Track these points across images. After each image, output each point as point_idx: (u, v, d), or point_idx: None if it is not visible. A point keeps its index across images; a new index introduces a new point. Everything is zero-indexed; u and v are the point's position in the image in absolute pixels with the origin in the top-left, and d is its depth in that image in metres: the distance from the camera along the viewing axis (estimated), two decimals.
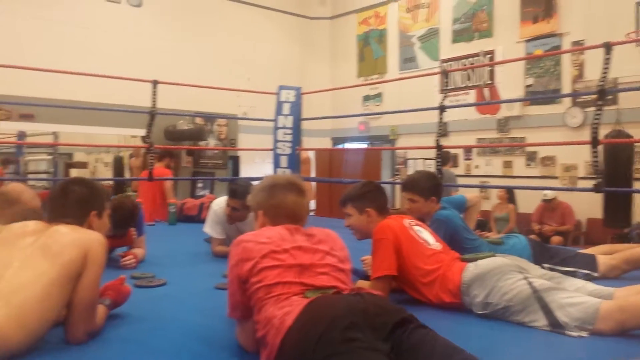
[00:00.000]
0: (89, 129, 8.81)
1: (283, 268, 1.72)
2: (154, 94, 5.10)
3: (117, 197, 3.60)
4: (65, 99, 7.13)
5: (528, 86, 7.93)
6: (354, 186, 2.77)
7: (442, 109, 4.75)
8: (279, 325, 1.55)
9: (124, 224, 3.23)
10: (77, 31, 8.16)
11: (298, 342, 1.48)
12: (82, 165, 14.87)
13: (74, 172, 13.97)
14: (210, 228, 3.81)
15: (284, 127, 5.79)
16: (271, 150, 6.00)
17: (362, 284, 2.48)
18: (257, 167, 9.29)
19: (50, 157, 12.39)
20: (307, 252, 1.80)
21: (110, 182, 11.48)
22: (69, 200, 2.04)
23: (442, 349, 1.47)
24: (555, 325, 2.06)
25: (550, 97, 7.54)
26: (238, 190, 3.60)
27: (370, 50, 10.55)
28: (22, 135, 10.70)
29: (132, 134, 10.59)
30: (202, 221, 5.37)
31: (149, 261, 3.44)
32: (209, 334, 2.03)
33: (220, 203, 3.82)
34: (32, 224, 2.00)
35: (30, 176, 11.65)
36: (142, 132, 9.18)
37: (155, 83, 5.05)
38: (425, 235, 2.58)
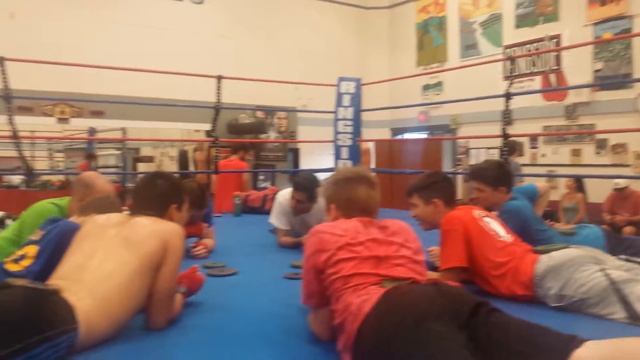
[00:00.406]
0: (154, 124, 9.13)
1: (359, 260, 1.74)
2: (218, 89, 5.22)
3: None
4: (133, 96, 7.39)
5: (597, 71, 7.59)
6: (420, 176, 2.75)
7: (508, 96, 4.63)
8: (356, 312, 1.58)
9: (194, 206, 3.29)
10: (142, 30, 8.45)
11: (375, 329, 1.50)
12: (149, 159, 15.41)
13: (142, 167, 14.53)
14: (275, 219, 3.88)
15: (344, 119, 5.80)
16: (331, 142, 6.03)
17: (430, 275, 2.47)
18: (316, 159, 9.34)
19: (119, 152, 12.94)
20: (382, 244, 1.81)
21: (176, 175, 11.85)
22: (151, 193, 2.14)
23: (517, 327, 1.47)
24: (635, 318, 2.00)
25: (621, 82, 7.21)
26: (302, 182, 3.65)
27: (429, 38, 10.38)
28: (92, 131, 11.22)
29: (196, 129, 10.89)
30: (266, 212, 5.50)
31: (219, 251, 3.55)
32: (283, 322, 2.08)
33: (285, 195, 3.88)
34: (115, 216, 2.10)
35: (100, 170, 12.17)
36: (205, 126, 9.45)
37: (219, 78, 5.18)
38: (495, 226, 2.53)
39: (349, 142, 5.72)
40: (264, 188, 8.21)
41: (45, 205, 2.91)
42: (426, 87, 10.19)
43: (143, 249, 1.88)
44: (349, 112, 5.75)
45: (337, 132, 5.81)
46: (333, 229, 1.84)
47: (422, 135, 10.61)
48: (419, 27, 10.58)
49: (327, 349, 1.76)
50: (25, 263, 2.29)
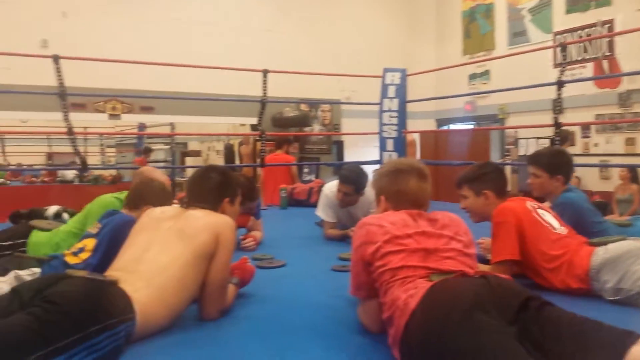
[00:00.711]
0: (201, 119, 9.29)
1: (407, 252, 1.73)
2: (264, 83, 5.26)
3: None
4: (181, 92, 7.55)
5: None
6: (471, 167, 2.70)
7: (560, 84, 4.50)
8: (403, 308, 1.57)
9: (244, 199, 3.35)
10: (190, 27, 8.59)
11: (423, 324, 1.48)
12: (196, 153, 15.73)
13: (189, 161, 14.84)
14: (322, 212, 3.89)
15: (389, 110, 5.76)
16: (376, 134, 6.00)
17: (481, 267, 2.43)
18: (361, 151, 9.31)
19: (167, 146, 13.26)
20: (431, 237, 1.79)
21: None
22: (205, 186, 2.18)
23: (570, 322, 1.43)
24: None
25: None
26: (349, 175, 3.65)
27: (476, 26, 10.16)
28: (142, 126, 11.52)
29: (241, 122, 11.03)
30: (312, 205, 5.54)
31: (266, 243, 3.59)
32: (333, 313, 2.09)
33: (331, 187, 3.88)
34: (170, 209, 2.17)
35: (149, 165, 12.47)
36: (250, 120, 9.58)
37: (265, 72, 5.21)
38: (550, 218, 2.47)
39: (395, 134, 5.68)
40: (309, 181, 8.25)
41: (109, 199, 3.02)
42: (473, 77, 10.00)
43: (196, 241, 1.92)
44: (394, 104, 5.70)
45: (382, 124, 5.78)
46: (380, 221, 1.84)
47: (469, 126, 10.42)
48: (465, 15, 10.37)
49: (378, 341, 1.76)
50: (84, 256, 2.39)
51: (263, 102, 5.29)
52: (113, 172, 10.97)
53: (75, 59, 4.54)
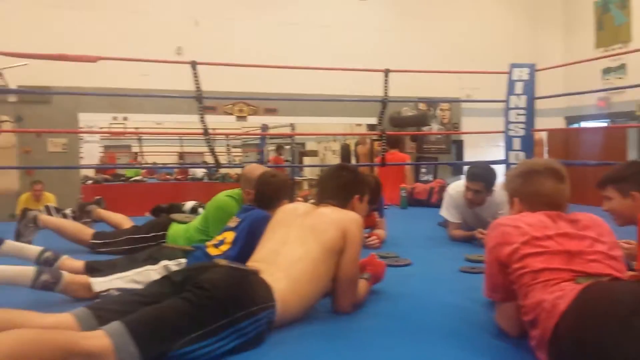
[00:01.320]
0: (320, 119, 9.52)
1: (549, 254, 1.66)
2: (386, 82, 5.27)
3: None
4: (302, 93, 7.77)
5: None
6: (617, 167, 2.53)
7: None
8: (550, 309, 1.51)
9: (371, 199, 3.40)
10: (308, 30, 8.81)
11: (575, 327, 1.42)
12: (313, 153, 16.14)
13: (307, 160, 15.25)
14: (446, 212, 3.83)
15: (516, 108, 5.50)
16: (501, 132, 5.77)
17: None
18: (482, 151, 9.02)
19: (287, 147, 13.75)
20: (574, 238, 1.70)
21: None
22: (336, 184, 2.25)
23: None
24: None
25: None
26: (479, 173, 3.56)
27: (610, 17, 9.43)
28: (264, 127, 12.05)
29: (357, 123, 11.14)
30: (432, 205, 5.47)
31: (390, 242, 3.60)
32: (465, 314, 2.06)
33: (456, 187, 3.81)
34: (302, 206, 2.25)
35: (270, 164, 12.98)
36: (366, 120, 9.67)
37: (387, 72, 5.22)
38: None
39: (522, 133, 5.42)
40: (427, 181, 8.14)
41: (222, 198, 3.22)
42: (607, 71, 9.28)
43: (324, 237, 1.98)
44: (521, 101, 5.44)
45: (508, 122, 5.54)
46: (516, 222, 1.77)
47: (602, 124, 9.70)
48: (598, 5, 9.66)
49: (516, 344, 1.71)
50: (224, 248, 2.55)
51: (384, 101, 5.29)
52: (238, 170, 11.56)
53: (210, 64, 4.83)
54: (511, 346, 1.73)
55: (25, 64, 5.78)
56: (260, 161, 14.80)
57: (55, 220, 3.40)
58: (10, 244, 2.56)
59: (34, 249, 2.55)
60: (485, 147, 9.07)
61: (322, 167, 13.79)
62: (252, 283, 1.78)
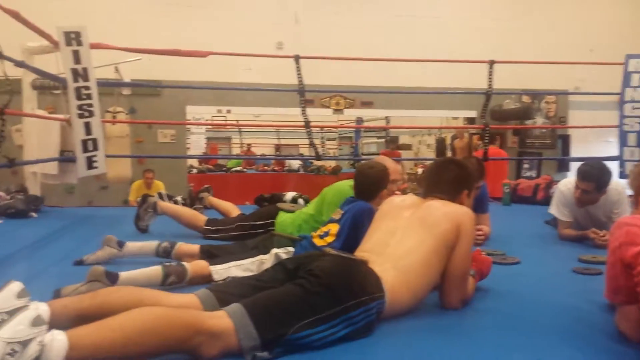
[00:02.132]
0: (416, 112, 9.40)
1: None
2: (490, 74, 5.11)
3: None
4: (399, 86, 7.70)
5: None
6: None
7: None
8: None
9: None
10: (408, 22, 8.69)
11: None
12: (407, 147, 15.97)
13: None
14: (556, 209, 3.65)
15: (632, 101, 5.16)
16: (615, 127, 5.44)
17: None
18: (591, 146, 8.52)
19: (380, 140, 13.72)
20: None
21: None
22: (444, 177, 2.20)
23: None
24: None
25: None
26: (590, 171, 3.36)
27: None
28: (359, 120, 12.09)
29: (454, 116, 10.88)
30: (537, 203, 5.25)
31: (495, 239, 3.50)
32: (581, 315, 1.97)
33: (567, 184, 3.62)
34: (409, 198, 2.24)
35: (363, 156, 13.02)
36: (464, 113, 9.41)
37: (491, 63, 5.06)
38: None
39: (638, 127, 5.08)
40: (530, 177, 7.82)
41: (345, 186, 3.23)
42: None
43: (437, 230, 1.95)
44: (638, 94, 5.10)
45: (623, 116, 5.20)
46: None
47: None
48: None
49: (638, 349, 1.63)
50: (329, 239, 2.59)
51: (488, 94, 5.13)
52: (332, 163, 11.71)
53: (313, 58, 4.92)
54: (632, 350, 1.64)
55: (139, 59, 6.16)
56: (355, 154, 14.88)
57: (173, 206, 3.62)
58: (131, 245, 2.70)
59: (150, 245, 2.70)
60: (594, 142, 8.57)
61: (416, 160, 13.62)
62: (363, 272, 1.79)
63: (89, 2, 7.57)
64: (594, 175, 3.33)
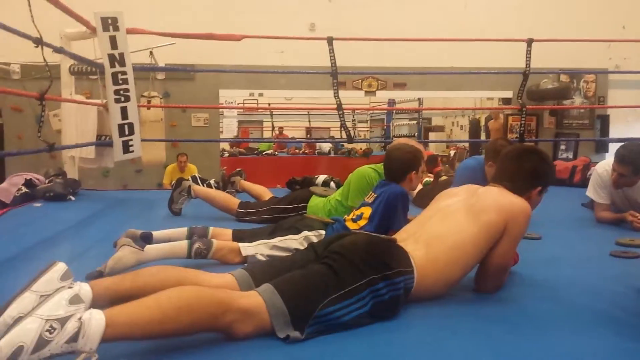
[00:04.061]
0: (450, 93, 9.26)
1: None
2: (528, 53, 4.99)
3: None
4: (432, 66, 7.58)
5: None
6: None
7: None
8: None
9: None
10: (440, 1, 8.51)
11: None
12: (440, 129, 15.80)
13: (432, 136, 14.97)
14: (594, 192, 3.58)
15: None
16: None
17: None
18: (630, 126, 8.27)
19: (412, 122, 13.58)
20: None
21: (466, 145, 11.90)
22: (518, 167, 2.07)
23: None
24: None
25: None
26: (627, 154, 3.28)
27: None
28: (391, 102, 11.99)
29: (488, 97, 10.68)
30: (574, 185, 5.15)
31: (531, 222, 3.43)
32: (618, 299, 1.94)
33: (605, 166, 3.55)
34: (473, 187, 2.13)
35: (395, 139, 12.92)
36: (499, 94, 9.21)
37: (530, 42, 4.94)
38: None
39: None
40: (567, 159, 7.65)
41: (367, 170, 3.23)
42: None
43: (482, 219, 1.89)
44: None
45: None
46: None
47: None
48: None
49: None
50: (362, 223, 2.60)
51: (526, 73, 5.02)
52: (364, 145, 11.66)
53: (347, 39, 4.87)
54: None
55: (173, 43, 6.21)
56: (386, 136, 14.78)
57: (207, 190, 3.67)
58: (157, 234, 2.55)
59: (180, 231, 2.64)
60: (634, 122, 8.33)
61: (448, 142, 13.44)
62: (389, 247, 1.81)
63: None
64: (631, 159, 3.25)
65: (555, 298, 1.97)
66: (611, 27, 7.98)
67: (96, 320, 1.26)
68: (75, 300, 1.30)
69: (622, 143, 3.41)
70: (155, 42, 6.06)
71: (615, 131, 8.65)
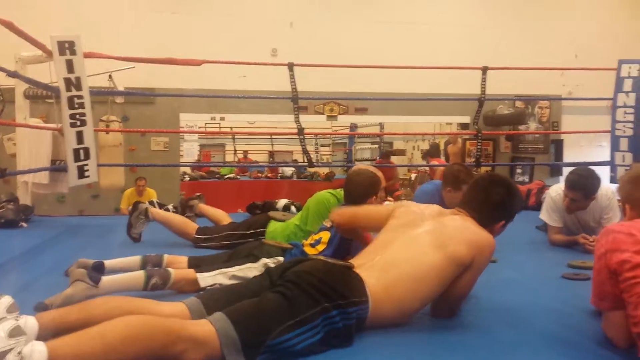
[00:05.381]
0: (410, 118, 9.43)
1: None
2: (483, 80, 5.14)
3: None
4: (393, 92, 7.72)
5: None
6: None
7: None
8: None
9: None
10: (402, 28, 8.69)
11: None
12: (401, 152, 16.01)
13: (394, 160, 15.16)
14: (547, 215, 3.67)
15: (624, 106, 5.20)
16: (607, 132, 5.48)
17: None
18: (583, 151, 8.56)
19: (375, 145, 13.75)
20: None
21: (426, 169, 12.10)
22: (486, 199, 2.05)
23: None
24: None
25: None
26: (577, 181, 3.37)
27: None
28: (354, 126, 12.12)
29: (447, 121, 10.91)
30: (529, 208, 5.27)
31: None
32: (568, 321, 1.98)
33: (557, 190, 3.65)
34: (430, 209, 2.11)
35: (357, 163, 13.03)
36: (456, 119, 9.43)
37: (485, 69, 5.09)
38: None
39: (630, 132, 5.11)
40: (522, 182, 7.84)
41: (326, 195, 3.24)
42: None
43: (450, 249, 1.87)
44: (630, 99, 5.13)
45: (615, 121, 5.24)
46: (630, 230, 1.68)
47: None
48: None
49: (624, 355, 1.65)
50: (320, 247, 2.59)
51: (481, 100, 5.16)
52: (326, 169, 11.72)
53: (307, 65, 4.93)
54: (618, 357, 1.66)
55: (133, 67, 6.17)
56: (348, 160, 14.91)
57: (164, 213, 3.61)
58: (110, 263, 2.48)
59: (134, 260, 2.59)
60: (587, 147, 8.62)
61: (409, 166, 13.64)
62: (344, 275, 1.77)
63: (83, 11, 7.56)
64: (582, 184, 3.35)
65: (511, 322, 1.99)
66: (564, 56, 8.31)
67: (38, 353, 1.22)
68: (15, 332, 1.25)
69: (571, 170, 3.50)
70: (115, 65, 6.00)
71: (568, 155, 8.96)
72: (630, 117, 5.14)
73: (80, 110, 4.09)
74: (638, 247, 1.62)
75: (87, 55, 4.25)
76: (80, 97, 4.09)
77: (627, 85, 5.19)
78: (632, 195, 1.86)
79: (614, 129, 5.26)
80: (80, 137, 4.11)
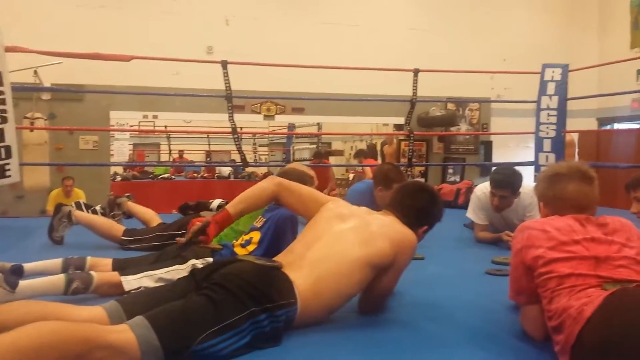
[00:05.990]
0: (347, 119, 9.50)
1: (576, 260, 1.64)
2: (415, 82, 5.25)
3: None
4: (330, 92, 7.76)
5: None
6: None
7: None
8: (576, 316, 1.49)
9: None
10: (338, 28, 8.76)
11: (600, 334, 1.41)
12: (339, 152, 16.14)
13: (332, 160, 15.27)
14: (473, 213, 3.80)
15: (547, 109, 5.42)
16: (531, 133, 5.71)
17: None
18: (511, 151, 8.90)
19: (313, 146, 13.78)
20: (602, 243, 1.68)
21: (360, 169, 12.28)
22: (412, 203, 2.13)
23: None
24: None
25: None
26: (503, 179, 3.51)
27: None
28: (291, 126, 12.10)
29: (384, 122, 11.09)
30: (459, 207, 5.43)
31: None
32: (492, 317, 2.06)
33: (483, 189, 3.77)
34: (353, 208, 2.13)
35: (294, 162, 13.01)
36: (392, 120, 9.61)
37: (416, 72, 5.20)
38: None
39: (553, 134, 5.34)
40: (454, 182, 8.08)
41: None
42: None
43: (374, 247, 1.91)
44: (553, 102, 5.36)
45: (539, 123, 5.46)
46: (544, 226, 1.76)
47: (636, 126, 9.47)
48: (634, 4, 9.43)
49: (541, 348, 1.72)
50: (250, 248, 2.58)
51: (413, 101, 5.28)
52: (264, 169, 11.66)
53: (241, 63, 4.88)
54: (535, 349, 1.73)
55: (60, 63, 5.91)
56: (287, 160, 14.89)
57: (88, 216, 3.47)
58: (30, 266, 2.39)
59: (55, 263, 2.49)
60: (514, 148, 8.95)
61: (347, 166, 13.80)
62: (272, 277, 1.76)
63: (7, 2, 7.18)
64: (508, 182, 3.48)
65: (435, 317, 2.06)
66: (493, 60, 8.60)
67: None
68: None
69: (493, 170, 3.63)
70: (41, 61, 5.74)
71: (497, 156, 9.29)
72: (553, 119, 5.37)
73: (1, 107, 3.88)
74: (552, 243, 1.69)
75: (10, 50, 4.05)
76: (1, 92, 3.88)
77: (551, 88, 5.42)
78: (546, 193, 1.94)
79: (538, 130, 5.48)
80: (1, 135, 3.89)
